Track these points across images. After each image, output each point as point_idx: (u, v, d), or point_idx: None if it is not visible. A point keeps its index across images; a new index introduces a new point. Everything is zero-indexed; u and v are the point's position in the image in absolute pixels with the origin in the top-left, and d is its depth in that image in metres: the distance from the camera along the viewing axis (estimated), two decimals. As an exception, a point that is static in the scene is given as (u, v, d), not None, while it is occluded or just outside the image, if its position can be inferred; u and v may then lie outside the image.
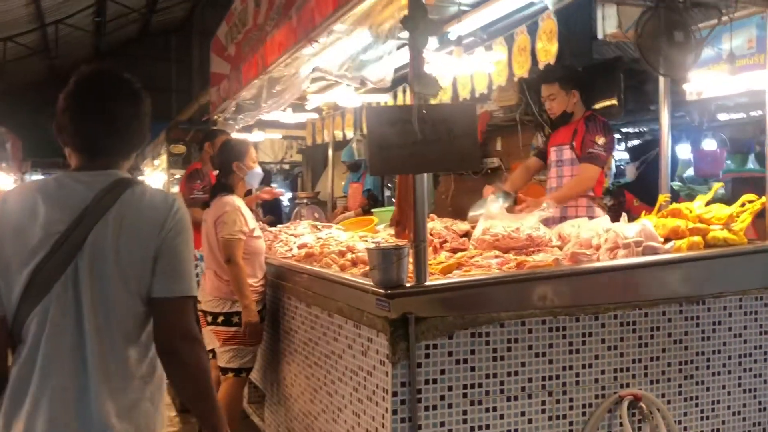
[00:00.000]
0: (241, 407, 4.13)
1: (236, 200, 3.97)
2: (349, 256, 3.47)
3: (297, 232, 4.67)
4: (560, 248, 3.23)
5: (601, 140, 3.96)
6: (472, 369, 2.60)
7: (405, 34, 2.66)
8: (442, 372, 2.57)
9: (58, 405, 1.68)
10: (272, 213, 8.04)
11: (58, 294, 1.69)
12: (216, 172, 4.26)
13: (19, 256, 1.70)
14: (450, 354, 2.58)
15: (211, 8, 14.15)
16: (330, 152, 7.24)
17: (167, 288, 1.75)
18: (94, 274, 1.70)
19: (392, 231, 4.02)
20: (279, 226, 5.27)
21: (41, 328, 1.69)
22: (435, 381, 2.56)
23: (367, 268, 2.83)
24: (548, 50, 3.36)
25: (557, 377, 2.72)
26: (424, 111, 2.52)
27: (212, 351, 3.94)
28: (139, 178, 12.55)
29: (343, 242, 3.86)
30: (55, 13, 12.87)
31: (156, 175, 11.40)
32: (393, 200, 7.26)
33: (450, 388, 2.57)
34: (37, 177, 16.36)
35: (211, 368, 4.24)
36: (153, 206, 1.78)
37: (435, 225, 3.75)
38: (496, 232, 3.32)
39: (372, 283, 2.66)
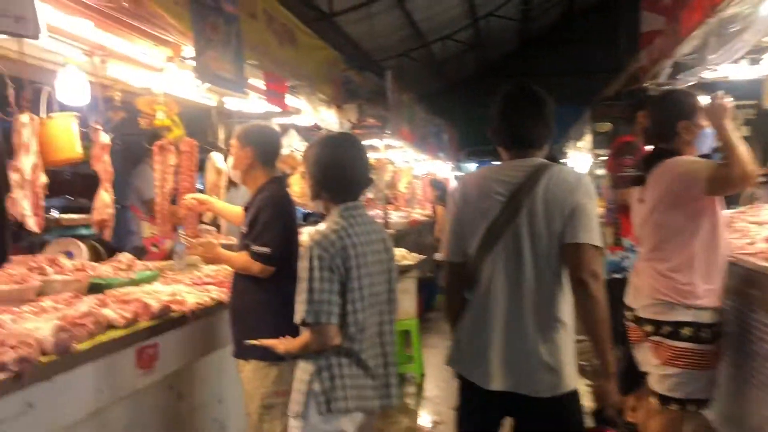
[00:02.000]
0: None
1: None
2: None
3: (761, 218, 3.50)
4: None
5: None
6: None
7: None
8: None
9: (503, 326, 2.28)
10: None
11: (504, 244, 2.29)
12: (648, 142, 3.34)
13: (476, 218, 2.34)
14: None
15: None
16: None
17: (577, 236, 2.22)
18: (529, 229, 2.26)
19: None
20: (729, 210, 4.09)
21: (491, 269, 2.31)
22: None
23: None
24: None
25: None
26: None
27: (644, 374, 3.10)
28: (563, 160, 12.21)
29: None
30: (486, 7, 13.29)
31: (579, 156, 10.81)
32: None
33: None
34: (471, 165, 17.42)
35: (643, 395, 3.44)
36: (566, 179, 2.29)
37: None
38: None
39: None
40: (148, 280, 3.56)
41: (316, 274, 2.22)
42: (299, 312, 2.23)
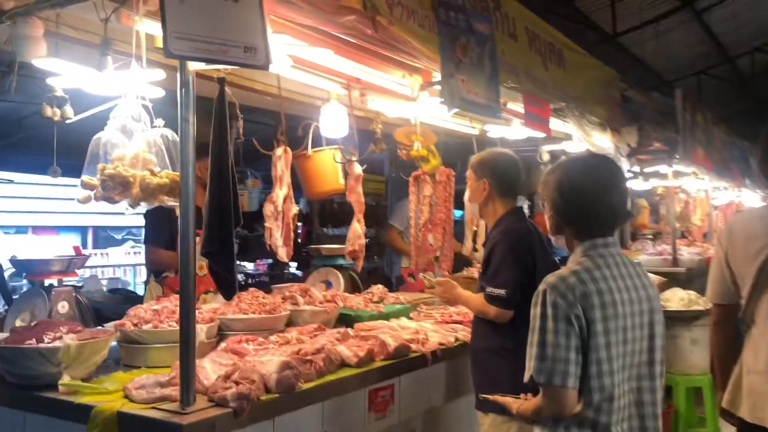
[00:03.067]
0: None
1: None
2: None
3: None
4: None
5: None
6: None
7: None
8: None
9: None
10: None
11: None
12: None
13: (746, 260, 2.33)
14: None
15: None
16: None
17: None
18: None
19: None
20: None
21: (767, 308, 2.29)
22: None
23: None
24: None
25: None
26: None
27: None
28: None
29: None
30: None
31: None
32: None
33: None
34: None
35: None
36: None
37: None
38: None
39: None
40: (398, 314, 3.46)
41: (549, 324, 1.81)
42: (529, 368, 1.84)
